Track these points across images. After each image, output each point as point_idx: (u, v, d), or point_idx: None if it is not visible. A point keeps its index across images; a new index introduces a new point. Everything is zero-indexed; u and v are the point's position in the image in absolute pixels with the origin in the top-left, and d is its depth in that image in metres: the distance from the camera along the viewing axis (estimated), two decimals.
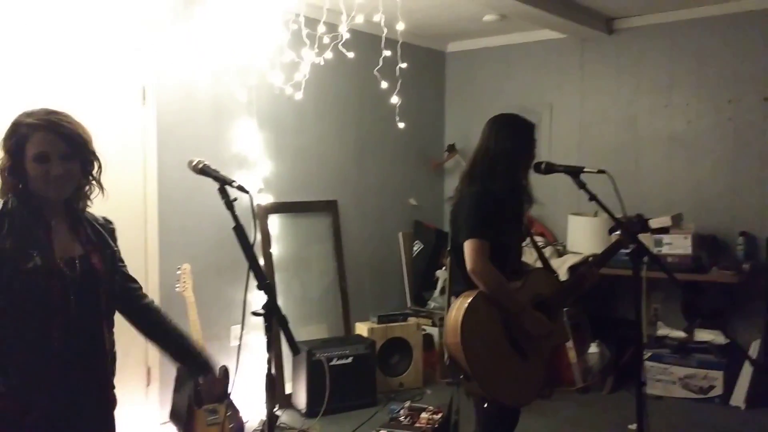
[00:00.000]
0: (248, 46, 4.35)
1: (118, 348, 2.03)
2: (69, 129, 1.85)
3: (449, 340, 2.60)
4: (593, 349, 4.92)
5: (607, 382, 4.82)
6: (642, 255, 2.55)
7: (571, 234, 5.17)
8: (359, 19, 3.93)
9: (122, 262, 2.05)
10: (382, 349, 4.75)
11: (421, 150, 5.94)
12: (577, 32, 5.25)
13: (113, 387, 2.02)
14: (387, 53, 4.20)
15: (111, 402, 2.02)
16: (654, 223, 4.51)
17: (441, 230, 5.72)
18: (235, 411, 3.66)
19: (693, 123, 5.04)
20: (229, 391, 2.10)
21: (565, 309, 3.41)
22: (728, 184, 4.90)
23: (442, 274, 5.48)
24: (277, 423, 4.08)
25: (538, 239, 4.93)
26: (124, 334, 2.06)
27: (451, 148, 5.91)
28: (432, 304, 5.47)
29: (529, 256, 3.79)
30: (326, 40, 4.08)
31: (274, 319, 1.91)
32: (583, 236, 5.02)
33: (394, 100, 4.28)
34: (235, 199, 1.97)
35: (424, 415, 4.01)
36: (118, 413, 2.04)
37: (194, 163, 2.05)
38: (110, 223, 2.06)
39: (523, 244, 2.98)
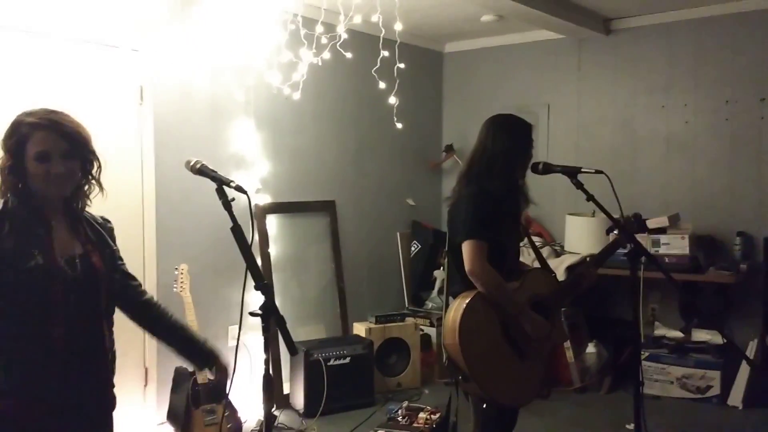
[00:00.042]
0: (246, 46, 4.34)
1: (116, 348, 2.02)
2: (70, 128, 1.86)
3: (447, 340, 2.60)
4: (591, 349, 4.93)
5: (605, 382, 4.83)
6: (639, 255, 2.56)
7: (568, 234, 5.18)
8: (357, 20, 3.93)
9: (121, 260, 2.07)
10: (379, 349, 4.75)
11: (419, 150, 5.94)
12: (574, 33, 5.25)
13: (113, 386, 2.03)
14: (385, 53, 4.19)
15: (111, 401, 2.02)
16: (651, 224, 4.53)
17: (439, 230, 5.72)
18: (233, 411, 3.66)
19: (690, 123, 5.05)
20: (227, 391, 2.10)
21: (562, 309, 3.41)
22: (725, 185, 4.91)
23: (439, 274, 5.48)
24: (275, 423, 4.07)
25: (536, 239, 4.94)
26: (122, 335, 2.06)
27: (449, 149, 5.91)
28: (430, 305, 5.48)
29: (527, 257, 3.80)
30: (324, 40, 4.08)
31: (271, 319, 1.91)
32: (581, 236, 5.02)
33: (392, 100, 4.28)
34: (233, 199, 1.98)
35: (421, 415, 4.01)
36: (116, 413, 2.05)
37: (192, 163, 2.05)
38: (108, 222, 2.07)
39: (521, 244, 2.99)
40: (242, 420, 3.76)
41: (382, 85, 4.34)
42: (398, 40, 4.04)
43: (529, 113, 4.82)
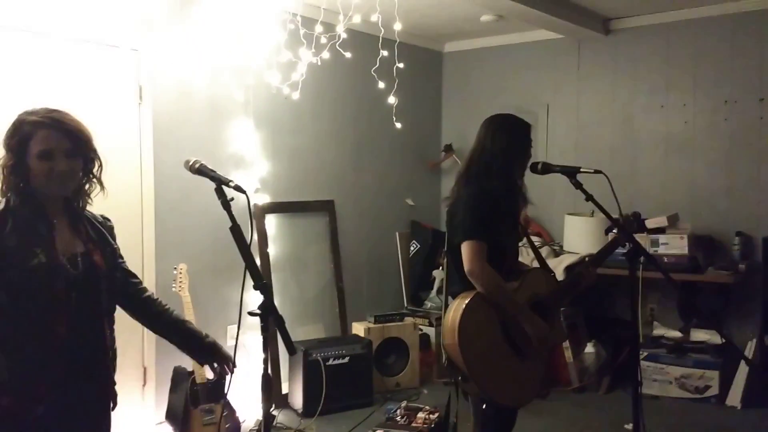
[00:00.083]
0: (245, 45, 4.34)
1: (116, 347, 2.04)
2: (72, 126, 1.88)
3: (447, 341, 2.60)
4: (589, 349, 4.93)
5: (604, 382, 4.83)
6: (638, 255, 2.56)
7: (567, 234, 5.18)
8: (356, 19, 3.93)
9: (122, 258, 2.09)
10: (378, 349, 4.75)
11: (418, 150, 5.94)
12: (573, 33, 5.25)
13: (114, 383, 2.04)
14: (384, 53, 4.20)
15: (112, 398, 2.04)
16: (650, 224, 4.53)
17: (438, 230, 5.72)
18: (232, 411, 3.66)
19: (689, 123, 5.05)
20: (225, 391, 2.10)
21: (561, 309, 3.41)
22: (724, 185, 4.91)
23: (438, 274, 5.48)
24: (274, 423, 4.07)
25: (535, 239, 4.94)
26: (121, 334, 2.06)
27: (448, 148, 5.91)
28: (429, 304, 5.48)
29: (526, 256, 3.80)
30: (323, 40, 4.09)
31: (270, 319, 1.91)
32: (580, 236, 5.03)
33: (391, 100, 4.28)
34: (232, 199, 1.98)
35: (420, 414, 4.01)
36: (114, 413, 2.06)
37: (191, 163, 2.05)
38: (108, 220, 2.09)
39: (520, 244, 2.99)
40: (241, 420, 3.76)
41: (381, 84, 4.34)
42: (397, 39, 4.04)
43: (529, 113, 4.81)
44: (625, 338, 4.62)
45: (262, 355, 1.94)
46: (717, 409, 4.45)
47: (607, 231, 2.99)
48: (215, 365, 2.17)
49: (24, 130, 1.84)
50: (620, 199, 2.62)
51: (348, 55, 4.18)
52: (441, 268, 5.40)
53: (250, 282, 1.92)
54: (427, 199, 5.98)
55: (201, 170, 2.03)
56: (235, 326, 2.38)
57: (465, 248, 2.60)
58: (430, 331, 5.14)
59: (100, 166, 1.97)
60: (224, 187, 1.99)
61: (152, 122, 3.97)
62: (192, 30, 4.14)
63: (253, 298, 1.95)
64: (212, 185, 1.99)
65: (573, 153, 5.45)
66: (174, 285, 3.69)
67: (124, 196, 3.77)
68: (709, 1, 4.76)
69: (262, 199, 4.62)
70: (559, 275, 4.54)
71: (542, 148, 5.50)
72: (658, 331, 4.92)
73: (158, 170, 3.98)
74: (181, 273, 3.71)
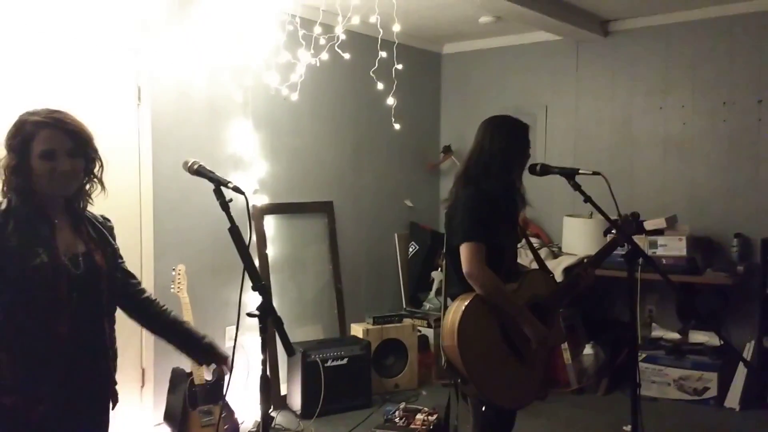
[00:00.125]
0: (244, 46, 4.34)
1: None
2: (74, 126, 1.89)
3: (446, 343, 2.59)
4: (588, 350, 4.93)
5: (602, 384, 4.83)
6: (637, 256, 2.56)
7: (566, 235, 5.18)
8: (355, 21, 3.93)
9: (122, 258, 2.09)
10: (377, 350, 4.75)
11: (417, 151, 5.94)
12: (572, 34, 5.26)
13: (115, 383, 2.04)
14: (383, 54, 4.20)
15: (112, 398, 2.04)
16: (649, 225, 4.53)
17: (436, 231, 5.72)
18: (230, 412, 3.66)
19: (688, 125, 5.05)
20: (224, 392, 2.11)
21: (560, 310, 3.41)
22: (723, 186, 4.92)
23: (437, 276, 5.48)
24: (272, 424, 4.07)
25: (534, 240, 4.94)
26: (119, 335, 2.06)
27: (447, 150, 5.91)
28: (427, 306, 5.48)
29: (525, 258, 3.80)
30: (322, 41, 4.09)
31: (269, 320, 1.91)
32: (578, 238, 5.03)
33: (390, 101, 4.28)
34: (231, 200, 1.98)
35: (419, 416, 4.02)
36: (113, 414, 2.06)
37: (189, 164, 2.06)
38: (108, 221, 2.09)
39: (519, 245, 2.99)
40: (239, 421, 3.75)
41: (380, 86, 4.34)
42: (396, 41, 4.04)
43: (527, 114, 4.81)
44: (623, 340, 4.62)
45: (260, 357, 1.94)
46: (715, 410, 4.45)
47: (606, 232, 2.99)
48: (213, 366, 2.18)
49: (26, 130, 1.84)
50: (619, 200, 2.63)
51: (347, 56, 4.18)
52: (440, 269, 5.40)
53: (248, 283, 1.92)
54: (425, 200, 5.98)
55: (199, 171, 2.03)
56: (234, 327, 2.38)
57: (464, 250, 2.60)
58: (429, 332, 5.14)
59: (101, 166, 1.97)
60: (223, 188, 1.99)
61: (151, 123, 3.96)
62: (191, 31, 4.14)
63: (252, 299, 1.95)
64: (211, 186, 2.00)
65: (571, 154, 5.46)
66: (172, 286, 3.68)
67: (122, 197, 3.77)
68: (708, 2, 4.77)
69: (261, 200, 4.62)
70: (558, 276, 4.54)
71: (541, 149, 5.51)
72: (657, 332, 4.92)
73: (157, 171, 3.98)
74: (179, 274, 3.70)
